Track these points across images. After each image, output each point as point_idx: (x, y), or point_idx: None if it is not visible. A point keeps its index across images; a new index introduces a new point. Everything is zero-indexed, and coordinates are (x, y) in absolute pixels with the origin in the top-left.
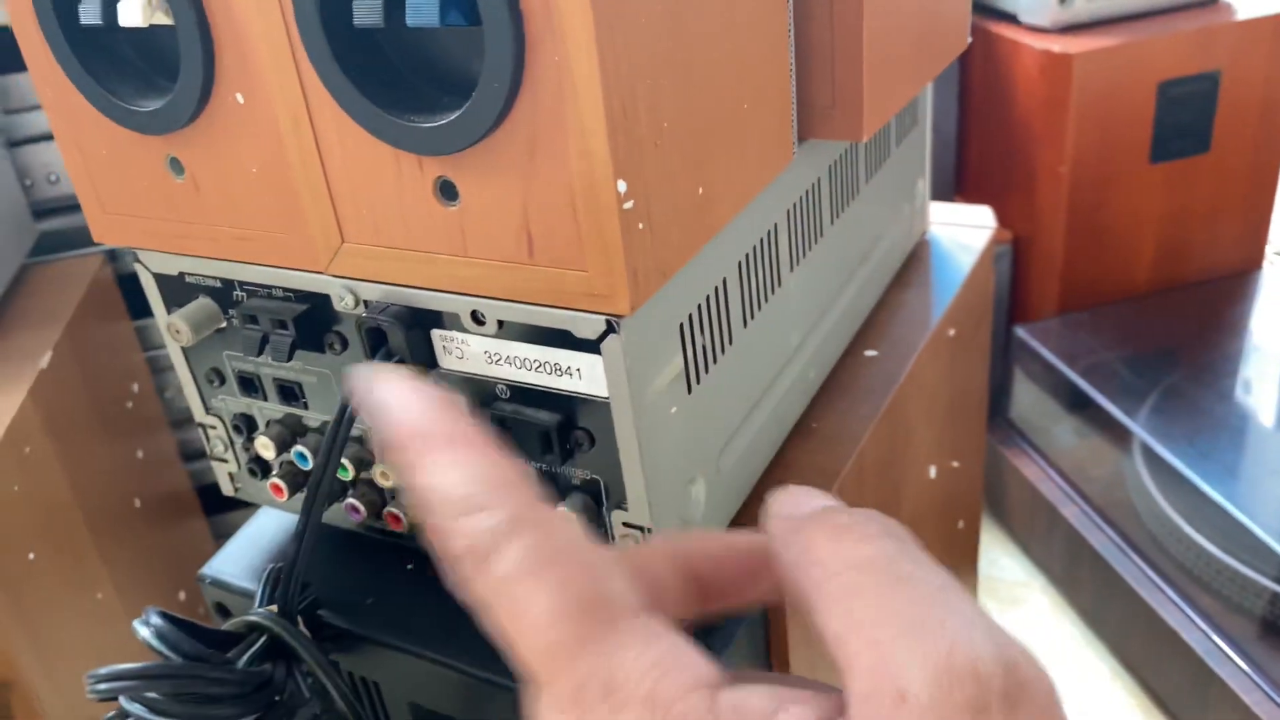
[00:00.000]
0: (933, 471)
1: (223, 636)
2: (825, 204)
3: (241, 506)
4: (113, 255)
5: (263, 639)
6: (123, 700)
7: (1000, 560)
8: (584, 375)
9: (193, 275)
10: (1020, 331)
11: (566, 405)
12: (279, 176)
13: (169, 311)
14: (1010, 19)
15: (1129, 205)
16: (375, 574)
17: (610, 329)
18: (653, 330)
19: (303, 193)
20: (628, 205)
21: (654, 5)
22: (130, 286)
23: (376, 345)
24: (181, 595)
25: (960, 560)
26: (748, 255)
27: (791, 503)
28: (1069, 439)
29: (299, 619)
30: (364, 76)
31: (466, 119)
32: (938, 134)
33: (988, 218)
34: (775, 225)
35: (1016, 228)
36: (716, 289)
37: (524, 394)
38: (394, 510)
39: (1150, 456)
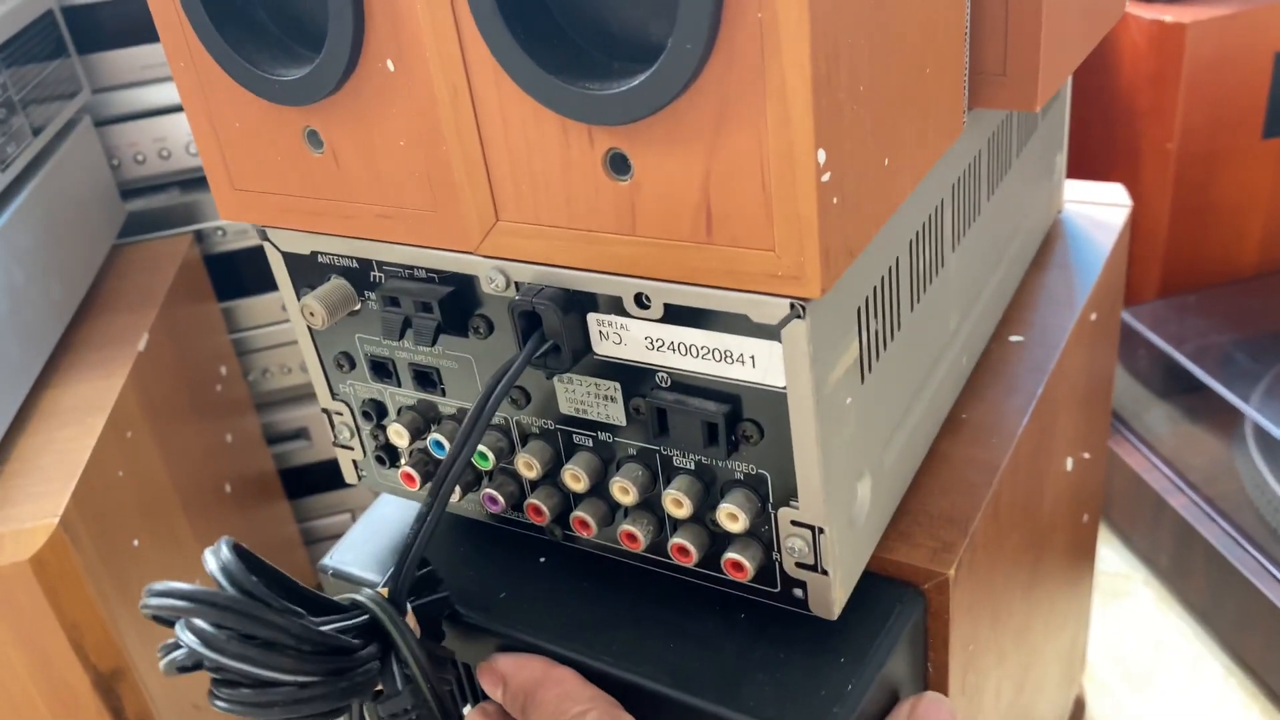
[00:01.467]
0: (1069, 463)
1: (324, 603)
2: (984, 179)
3: (324, 490)
4: (200, 236)
5: (363, 617)
6: (178, 629)
7: (1100, 551)
8: (758, 363)
9: (326, 255)
10: (1125, 315)
11: (734, 395)
12: (429, 150)
13: (299, 292)
14: None
15: (1238, 183)
16: (508, 568)
17: (795, 313)
18: (834, 315)
19: (456, 168)
20: (825, 177)
21: None
22: (217, 268)
23: (530, 329)
24: None
25: (1081, 554)
26: (918, 233)
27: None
28: (1175, 427)
29: (409, 608)
30: (533, 41)
31: (650, 84)
32: None
33: (1122, 195)
34: (942, 201)
35: None
36: (890, 269)
37: (687, 382)
38: (535, 502)
39: (1266, 443)
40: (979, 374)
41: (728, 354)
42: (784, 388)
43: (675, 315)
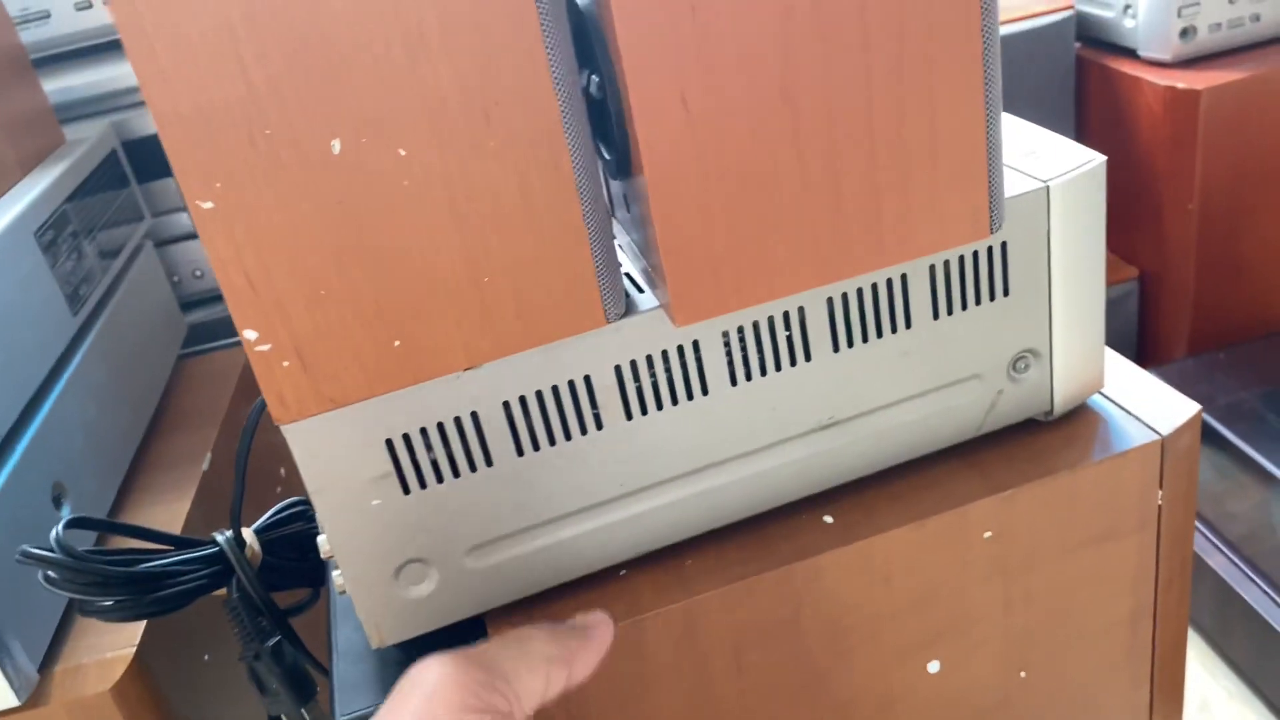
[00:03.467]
0: (934, 667)
1: (188, 542)
2: (714, 367)
3: None
4: None
5: (212, 549)
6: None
7: None
8: None
9: None
10: (1153, 374)
11: None
12: None
13: None
14: (1129, 53)
15: (1264, 238)
16: None
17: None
18: (335, 438)
19: None
20: (263, 348)
21: (305, 179)
22: None
23: None
24: None
25: None
26: (523, 398)
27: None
28: (1211, 484)
29: (247, 541)
30: None
31: None
32: None
33: (1175, 413)
34: (587, 377)
35: (1143, 263)
36: (458, 419)
37: None
38: None
39: None
40: (748, 538)
41: None
42: None
43: None
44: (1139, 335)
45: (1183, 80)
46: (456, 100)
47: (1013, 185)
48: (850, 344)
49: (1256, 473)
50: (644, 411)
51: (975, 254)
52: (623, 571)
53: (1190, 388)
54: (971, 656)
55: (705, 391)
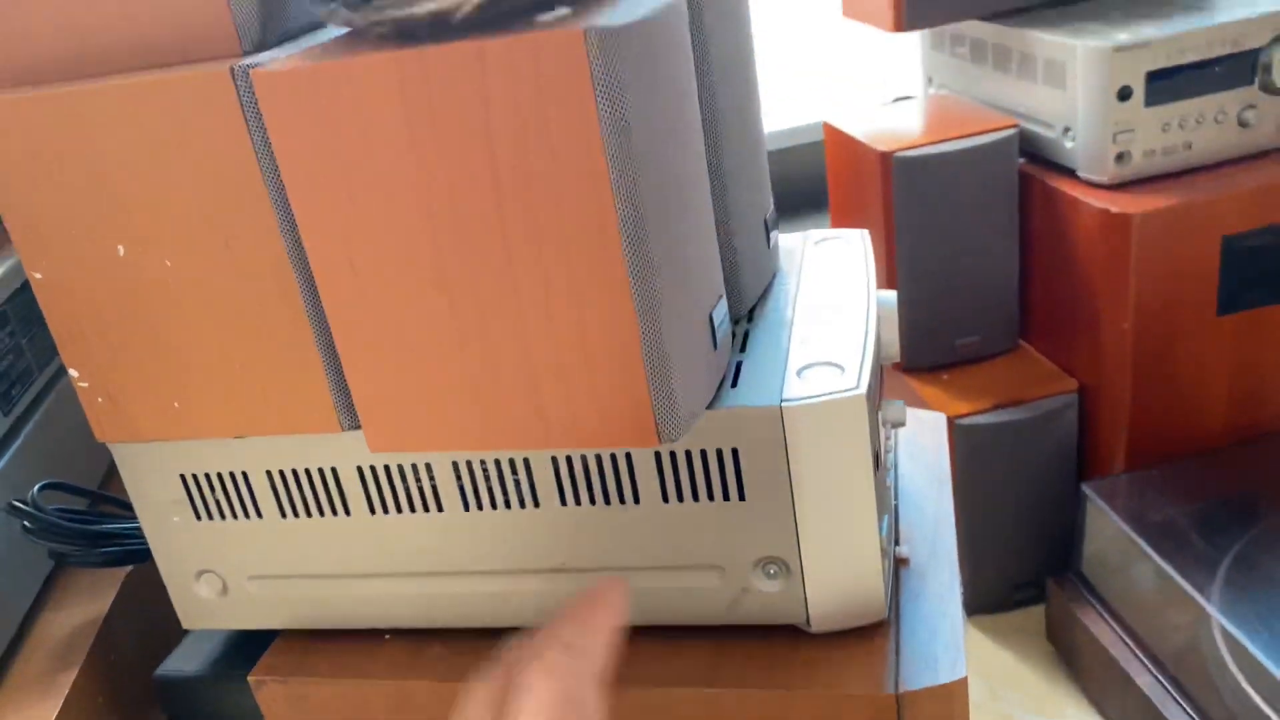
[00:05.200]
0: None
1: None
2: (448, 491)
3: None
4: None
5: None
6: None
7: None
8: None
9: None
10: (1087, 489)
11: None
12: None
13: None
14: (1069, 172)
15: (1198, 357)
16: None
17: None
18: (143, 462)
19: None
20: (83, 384)
21: (101, 270)
22: None
23: None
24: None
25: None
26: (283, 472)
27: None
28: (1141, 601)
29: None
30: None
31: None
32: (996, 274)
33: (938, 673)
34: (334, 469)
35: (1083, 376)
36: (232, 474)
37: None
38: None
39: (1229, 633)
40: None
41: None
42: None
43: None
44: (1079, 447)
45: (1116, 204)
46: (202, 230)
47: (753, 396)
48: (579, 502)
49: (1182, 595)
50: (385, 510)
51: (704, 453)
52: (387, 636)
53: (1121, 504)
54: None
55: (440, 509)
